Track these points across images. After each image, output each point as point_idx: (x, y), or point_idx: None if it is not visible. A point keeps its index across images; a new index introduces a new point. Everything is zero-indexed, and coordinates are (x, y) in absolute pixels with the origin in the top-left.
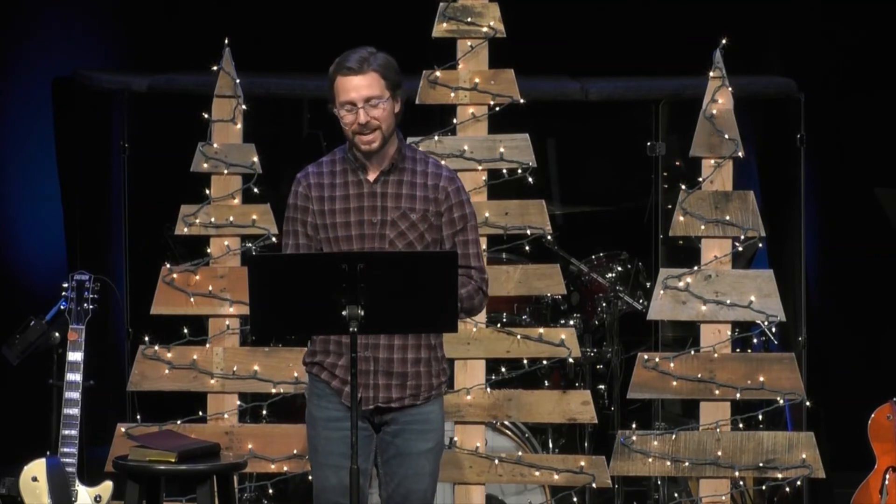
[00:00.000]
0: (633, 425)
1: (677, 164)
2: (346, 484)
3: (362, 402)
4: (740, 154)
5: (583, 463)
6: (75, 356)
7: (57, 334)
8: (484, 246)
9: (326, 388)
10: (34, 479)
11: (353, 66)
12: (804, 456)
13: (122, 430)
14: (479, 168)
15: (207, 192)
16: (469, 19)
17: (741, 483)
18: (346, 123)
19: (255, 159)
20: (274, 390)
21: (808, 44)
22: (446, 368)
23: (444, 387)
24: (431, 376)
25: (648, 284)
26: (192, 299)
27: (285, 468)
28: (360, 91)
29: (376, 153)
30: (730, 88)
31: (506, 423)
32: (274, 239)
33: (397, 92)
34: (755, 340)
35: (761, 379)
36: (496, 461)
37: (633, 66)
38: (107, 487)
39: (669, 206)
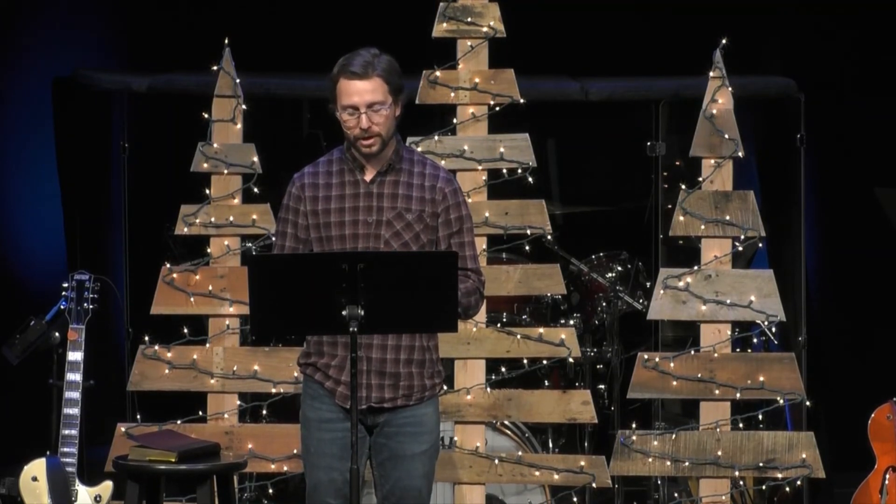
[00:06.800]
0: (633, 425)
1: (677, 164)
2: (337, 485)
3: None
4: (740, 154)
5: (583, 463)
6: (75, 356)
7: (57, 334)
8: (484, 246)
9: (320, 389)
10: (34, 479)
11: (358, 70)
12: (804, 456)
13: (122, 430)
14: (479, 168)
15: (207, 192)
16: (469, 19)
17: (741, 483)
18: (349, 127)
19: (255, 159)
20: (274, 390)
21: (808, 44)
22: (441, 371)
23: (439, 388)
24: (424, 377)
25: (648, 284)
26: (192, 299)
27: (285, 468)
28: (364, 96)
29: (375, 155)
30: (730, 88)
31: (506, 423)
32: (273, 238)
33: (399, 96)
34: (755, 340)
35: (761, 379)
36: (496, 461)
37: (633, 66)
38: (107, 487)
39: (669, 206)
